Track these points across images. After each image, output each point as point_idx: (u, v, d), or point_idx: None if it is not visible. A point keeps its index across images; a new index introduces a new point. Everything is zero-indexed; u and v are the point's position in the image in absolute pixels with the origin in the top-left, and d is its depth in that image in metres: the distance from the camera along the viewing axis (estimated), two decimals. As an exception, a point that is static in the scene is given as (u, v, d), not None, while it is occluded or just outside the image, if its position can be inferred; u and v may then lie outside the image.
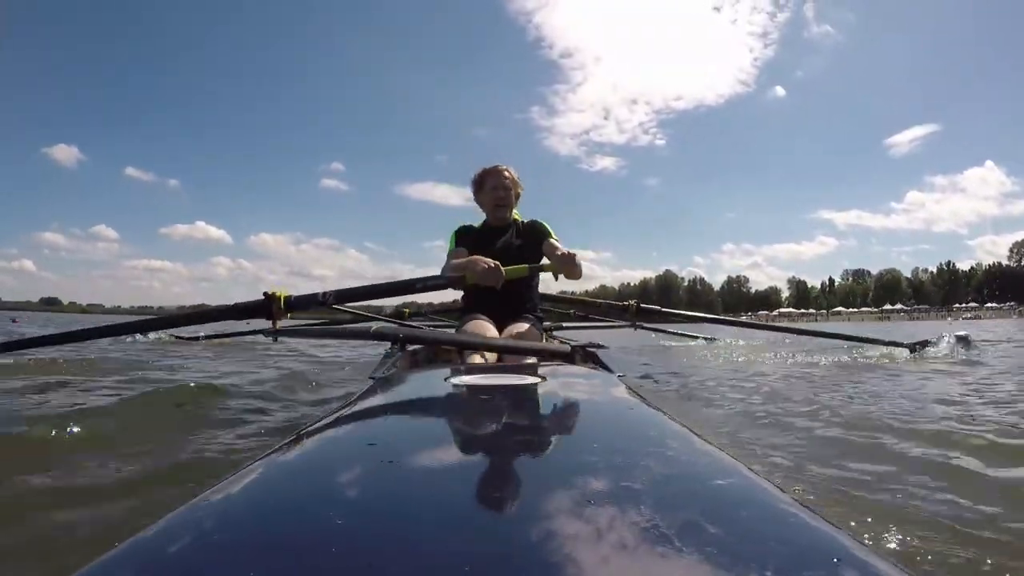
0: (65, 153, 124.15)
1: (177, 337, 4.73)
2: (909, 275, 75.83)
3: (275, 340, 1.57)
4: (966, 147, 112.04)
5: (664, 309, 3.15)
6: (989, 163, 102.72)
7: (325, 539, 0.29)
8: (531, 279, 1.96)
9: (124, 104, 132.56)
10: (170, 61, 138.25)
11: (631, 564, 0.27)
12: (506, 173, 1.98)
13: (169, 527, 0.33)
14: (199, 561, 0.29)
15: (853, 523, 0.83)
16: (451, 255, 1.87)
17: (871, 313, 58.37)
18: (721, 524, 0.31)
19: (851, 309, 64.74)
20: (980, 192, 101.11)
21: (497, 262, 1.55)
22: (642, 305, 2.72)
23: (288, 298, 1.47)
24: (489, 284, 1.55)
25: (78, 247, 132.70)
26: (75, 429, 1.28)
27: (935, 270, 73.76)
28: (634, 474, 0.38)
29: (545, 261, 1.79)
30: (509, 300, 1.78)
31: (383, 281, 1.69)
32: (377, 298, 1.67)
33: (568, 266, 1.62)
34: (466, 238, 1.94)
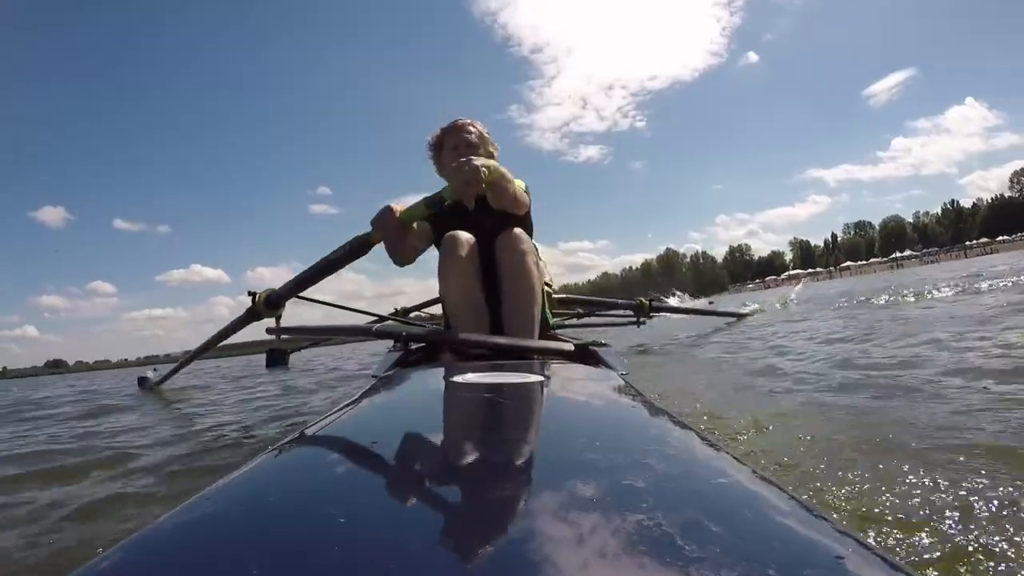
0: (51, 214, 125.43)
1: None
2: (911, 220, 75.56)
3: (278, 338, 1.58)
4: (945, 87, 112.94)
5: (671, 304, 3.23)
6: (970, 100, 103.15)
7: (327, 538, 0.29)
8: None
9: (104, 158, 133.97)
10: (145, 108, 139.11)
11: (633, 563, 0.27)
12: (470, 128, 1.55)
13: (169, 525, 0.33)
14: (199, 559, 0.29)
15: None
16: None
17: (881, 263, 57.98)
18: (723, 523, 0.31)
19: (859, 262, 64.41)
20: (964, 130, 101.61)
21: (468, 158, 1.17)
22: (653, 303, 2.78)
23: (269, 294, 1.48)
24: (464, 198, 1.16)
25: (77, 306, 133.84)
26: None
27: (939, 211, 73.46)
28: (636, 473, 0.38)
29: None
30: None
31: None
32: (330, 272, 1.46)
33: (466, 183, 1.13)
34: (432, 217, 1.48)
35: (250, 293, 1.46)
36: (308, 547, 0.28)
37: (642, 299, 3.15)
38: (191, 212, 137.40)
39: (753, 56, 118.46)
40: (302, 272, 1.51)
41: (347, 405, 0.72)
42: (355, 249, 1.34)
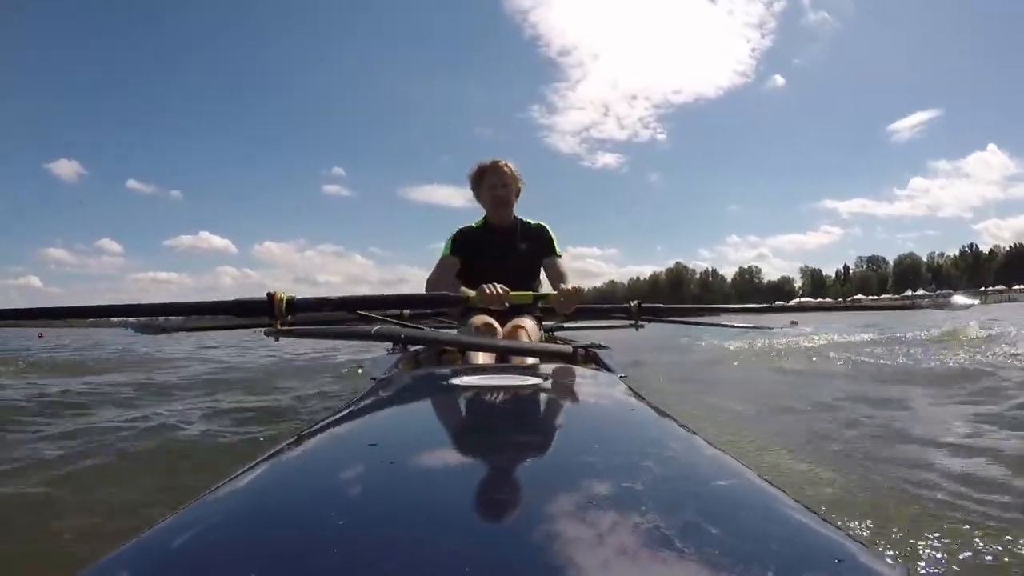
0: (66, 168, 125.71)
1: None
2: (925, 260, 74.83)
3: (276, 339, 1.60)
4: (969, 131, 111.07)
5: (666, 306, 3.19)
6: (992, 146, 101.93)
7: (326, 539, 0.30)
8: (533, 280, 1.97)
9: (123, 117, 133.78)
10: (167, 72, 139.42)
11: (632, 565, 0.27)
12: (505, 168, 1.93)
13: (172, 527, 0.33)
14: (202, 561, 0.30)
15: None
16: (443, 261, 1.87)
17: (894, 300, 57.28)
18: (722, 525, 0.31)
19: (871, 296, 63.75)
20: (984, 176, 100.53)
21: (506, 288, 1.55)
22: (644, 304, 2.76)
23: (291, 300, 1.51)
24: (495, 308, 1.57)
25: (84, 262, 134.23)
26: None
27: (956, 253, 72.62)
28: (635, 475, 0.39)
29: (548, 289, 1.81)
30: None
31: (390, 293, 1.80)
32: (381, 309, 1.73)
33: (570, 303, 1.64)
34: (465, 242, 1.91)
35: (269, 295, 1.48)
36: (310, 549, 0.29)
37: (633, 302, 3.20)
38: (205, 179, 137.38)
39: (780, 79, 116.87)
40: (369, 296, 1.71)
41: (346, 407, 0.72)
42: (452, 302, 1.65)
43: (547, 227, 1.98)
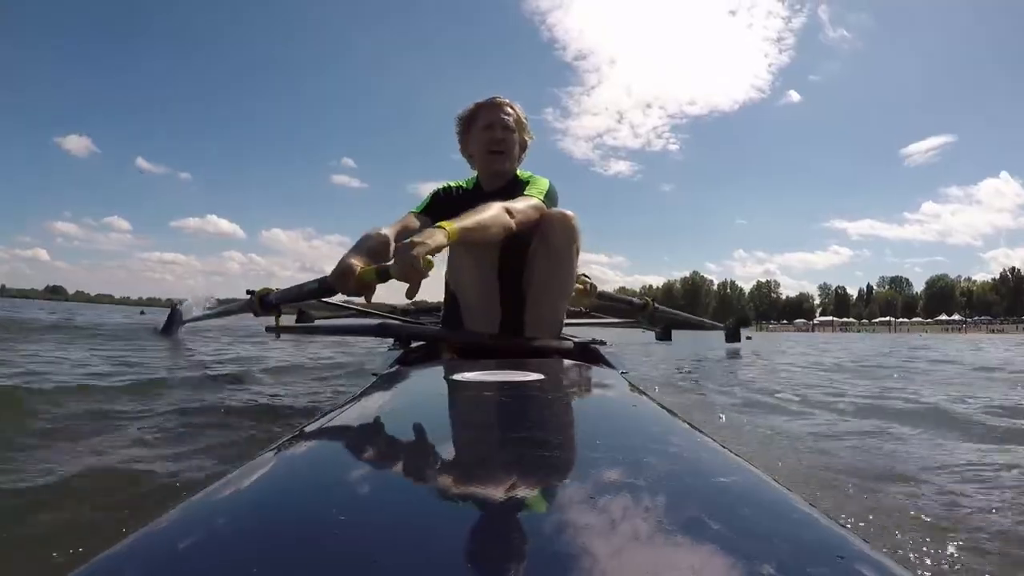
0: (77, 143, 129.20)
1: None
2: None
3: (278, 336, 1.63)
4: (982, 158, 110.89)
5: (677, 313, 3.19)
6: (1004, 174, 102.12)
7: (327, 536, 0.30)
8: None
9: (136, 96, 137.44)
10: (182, 54, 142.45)
11: (634, 561, 0.28)
12: (509, 109, 1.43)
13: (171, 523, 0.34)
14: (200, 557, 0.30)
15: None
16: (404, 218, 1.39)
17: (935, 324, 55.15)
18: (724, 521, 0.31)
19: (899, 320, 62.45)
20: (995, 204, 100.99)
21: (418, 250, 0.99)
22: (659, 308, 2.77)
23: (263, 294, 1.52)
24: (410, 283, 1.01)
25: (91, 237, 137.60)
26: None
27: (996, 277, 71.12)
28: (638, 471, 0.39)
29: None
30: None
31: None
32: (310, 299, 1.40)
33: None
34: (444, 203, 1.42)
35: (248, 292, 1.52)
36: (311, 546, 0.29)
37: (648, 299, 3.11)
38: (215, 163, 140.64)
39: (796, 95, 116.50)
40: (293, 288, 1.47)
41: (348, 403, 0.73)
42: (323, 292, 1.33)
43: (546, 180, 1.44)
